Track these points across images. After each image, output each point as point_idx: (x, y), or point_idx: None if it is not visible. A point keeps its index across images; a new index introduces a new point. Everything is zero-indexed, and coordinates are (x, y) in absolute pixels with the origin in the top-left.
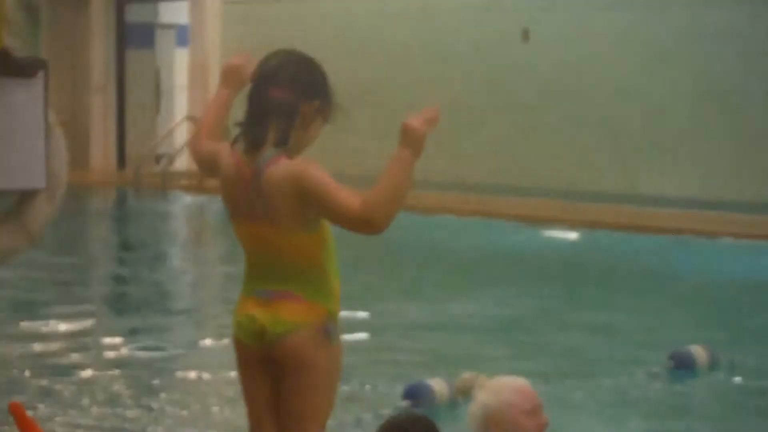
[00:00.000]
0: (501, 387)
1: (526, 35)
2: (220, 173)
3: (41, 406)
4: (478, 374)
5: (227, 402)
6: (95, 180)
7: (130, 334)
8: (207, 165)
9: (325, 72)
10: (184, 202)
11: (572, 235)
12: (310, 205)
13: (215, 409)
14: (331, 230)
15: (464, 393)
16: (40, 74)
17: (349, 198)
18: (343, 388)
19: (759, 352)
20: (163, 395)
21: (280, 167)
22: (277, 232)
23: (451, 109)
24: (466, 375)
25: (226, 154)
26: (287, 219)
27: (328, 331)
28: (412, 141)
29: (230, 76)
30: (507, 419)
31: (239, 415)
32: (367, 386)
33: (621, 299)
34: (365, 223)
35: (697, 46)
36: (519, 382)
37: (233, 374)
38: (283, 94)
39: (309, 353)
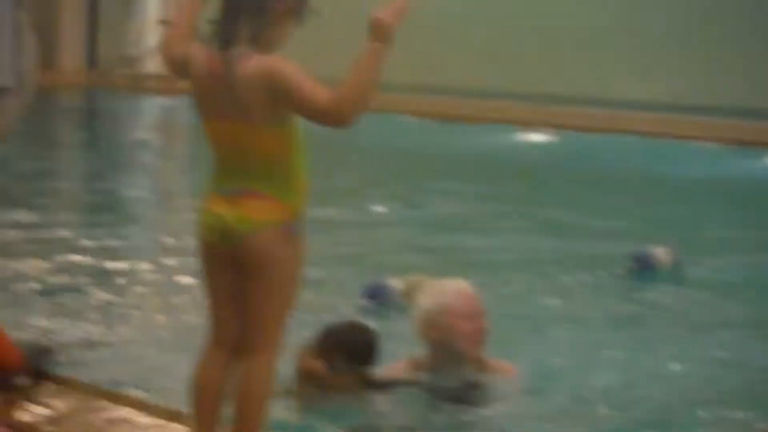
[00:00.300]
0: (441, 290)
1: None
2: (192, 72)
3: None
4: (424, 277)
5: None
6: (65, 81)
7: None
8: (179, 67)
9: None
10: (154, 103)
11: (541, 137)
12: (280, 98)
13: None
14: (300, 127)
15: (410, 295)
16: None
17: (319, 90)
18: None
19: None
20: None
21: (251, 62)
22: (246, 128)
23: (425, 13)
24: (412, 277)
25: (199, 53)
26: (258, 113)
27: (292, 229)
28: (381, 34)
29: None
30: (444, 322)
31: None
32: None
33: (589, 198)
34: (334, 115)
35: None
36: (460, 285)
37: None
38: None
39: (274, 252)
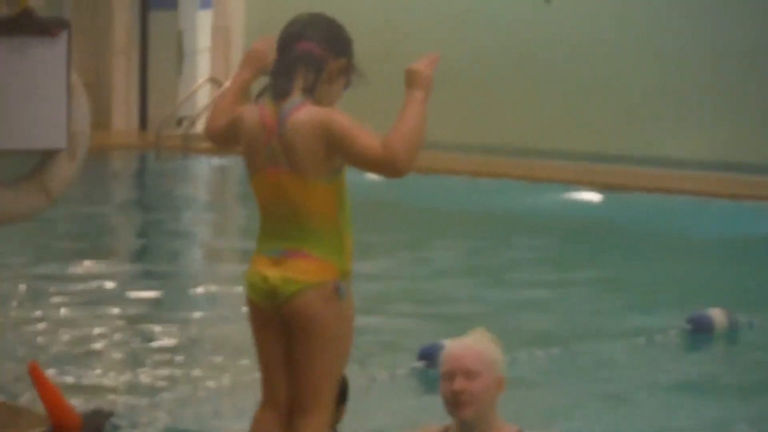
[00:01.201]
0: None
1: None
2: (243, 130)
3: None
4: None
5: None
6: (117, 142)
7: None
8: (225, 137)
9: (350, 35)
10: (204, 164)
11: (589, 197)
12: (333, 148)
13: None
14: (346, 186)
15: None
16: (63, 34)
17: (373, 139)
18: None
19: None
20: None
21: (304, 112)
22: (296, 180)
23: (470, 69)
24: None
25: (250, 110)
26: (308, 164)
27: (339, 289)
28: (420, 82)
29: (252, 61)
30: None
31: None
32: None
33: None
34: (389, 163)
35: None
36: (460, 343)
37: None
38: (312, 48)
39: (319, 312)
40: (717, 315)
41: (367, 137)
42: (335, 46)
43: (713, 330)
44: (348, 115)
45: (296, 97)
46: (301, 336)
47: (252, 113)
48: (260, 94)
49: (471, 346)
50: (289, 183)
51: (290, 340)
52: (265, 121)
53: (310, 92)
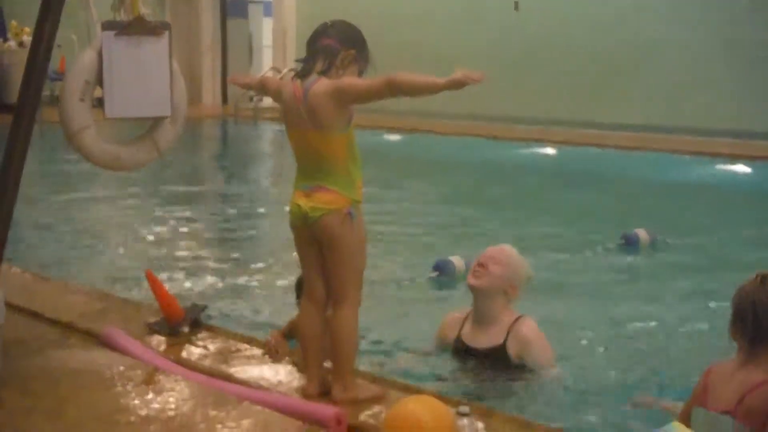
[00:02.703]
0: None
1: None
2: (281, 99)
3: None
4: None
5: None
6: (206, 113)
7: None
8: (274, 96)
9: (362, 33)
10: (269, 128)
11: (551, 151)
12: (345, 96)
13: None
14: (354, 138)
15: None
16: (166, 34)
17: (374, 79)
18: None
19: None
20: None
21: (319, 83)
22: (316, 134)
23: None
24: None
25: (287, 84)
26: (324, 120)
27: (350, 214)
28: (454, 82)
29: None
30: None
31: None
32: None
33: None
34: (389, 82)
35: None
36: (499, 245)
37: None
38: (330, 42)
39: (337, 230)
40: (642, 234)
41: (369, 79)
42: (347, 40)
43: (639, 244)
44: (345, 77)
45: (314, 76)
46: (327, 247)
47: (287, 87)
48: (294, 75)
49: (505, 248)
50: (312, 136)
51: (321, 251)
52: (294, 93)
53: (325, 73)
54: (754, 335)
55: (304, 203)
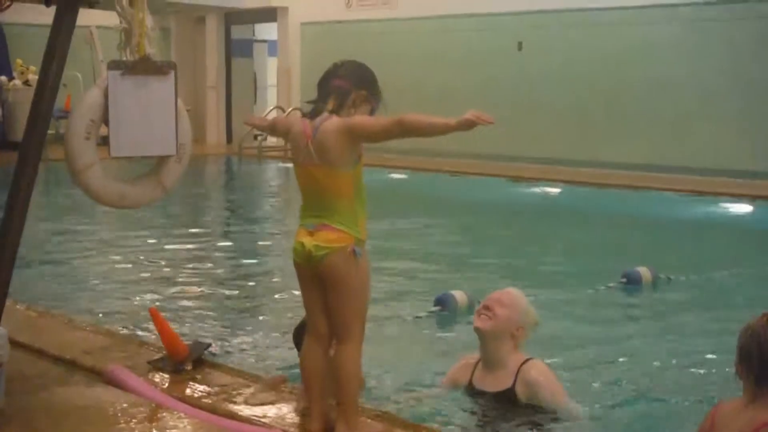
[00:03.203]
0: None
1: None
2: (291, 136)
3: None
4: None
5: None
6: (210, 151)
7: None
8: (281, 134)
9: (374, 73)
10: (273, 167)
11: (554, 190)
12: (355, 135)
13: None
14: (362, 177)
15: None
16: (171, 73)
17: (384, 118)
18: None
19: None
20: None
21: (329, 122)
22: (324, 170)
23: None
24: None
25: (297, 121)
26: (333, 158)
27: (355, 252)
28: (465, 123)
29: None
30: None
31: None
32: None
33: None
34: (400, 122)
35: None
36: (505, 289)
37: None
38: (341, 83)
39: (342, 269)
40: (644, 272)
41: (379, 118)
42: (358, 81)
43: (641, 282)
44: (357, 116)
45: (325, 114)
46: (332, 287)
47: (297, 125)
48: (305, 114)
49: (511, 291)
50: (319, 173)
51: (324, 291)
52: (304, 131)
53: (336, 112)
54: (760, 374)
55: (307, 242)
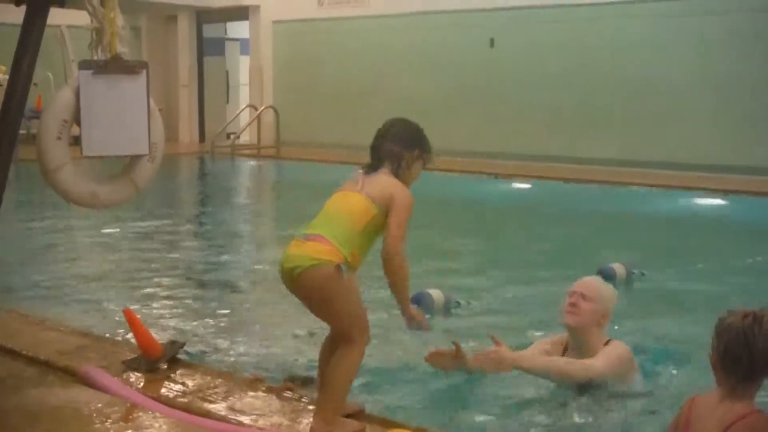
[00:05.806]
0: None
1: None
2: (348, 182)
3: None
4: None
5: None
6: (182, 150)
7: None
8: None
9: (421, 130)
10: (245, 165)
11: (527, 186)
12: (385, 206)
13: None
14: (377, 233)
15: None
16: (143, 72)
17: (400, 230)
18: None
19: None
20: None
21: (388, 176)
22: (360, 196)
23: (432, 97)
24: None
25: (355, 174)
26: (374, 193)
27: (340, 267)
28: (410, 316)
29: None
30: None
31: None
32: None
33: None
34: (390, 257)
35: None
36: (590, 277)
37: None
38: (393, 147)
39: (325, 283)
40: (618, 267)
41: (399, 227)
42: (409, 143)
43: (615, 278)
44: (411, 198)
45: (382, 170)
46: (318, 303)
47: (355, 175)
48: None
49: (590, 282)
50: (355, 197)
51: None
52: (360, 176)
53: (395, 175)
54: (747, 373)
55: (294, 252)
